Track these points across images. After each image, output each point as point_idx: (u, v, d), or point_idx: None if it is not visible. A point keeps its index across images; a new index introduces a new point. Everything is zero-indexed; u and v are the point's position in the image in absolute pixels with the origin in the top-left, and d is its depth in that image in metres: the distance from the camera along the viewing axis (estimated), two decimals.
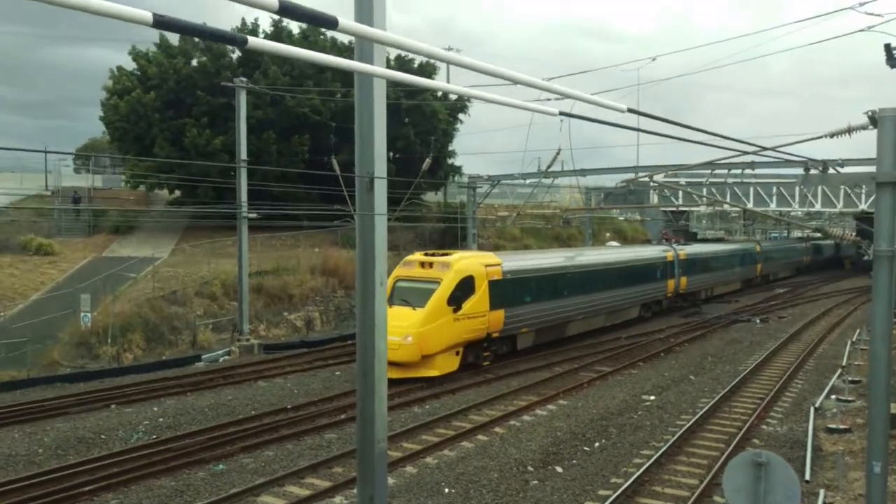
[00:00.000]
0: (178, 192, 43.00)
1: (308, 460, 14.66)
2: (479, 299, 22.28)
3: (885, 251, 8.83)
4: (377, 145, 9.65)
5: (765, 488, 6.26)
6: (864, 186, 43.94)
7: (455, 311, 21.42)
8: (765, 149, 9.87)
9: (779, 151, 10.39)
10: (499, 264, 23.71)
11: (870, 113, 8.96)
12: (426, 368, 21.17)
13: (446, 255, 23.23)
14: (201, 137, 37.68)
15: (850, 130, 9.81)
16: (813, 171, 10.03)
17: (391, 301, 20.82)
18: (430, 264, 22.45)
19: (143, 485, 13.32)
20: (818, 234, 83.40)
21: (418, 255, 23.52)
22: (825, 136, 9.87)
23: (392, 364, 19.49)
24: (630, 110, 7.03)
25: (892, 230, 8.93)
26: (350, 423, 16.84)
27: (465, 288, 21.86)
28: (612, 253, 33.64)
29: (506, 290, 23.52)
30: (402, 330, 20.44)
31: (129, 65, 41.99)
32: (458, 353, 22.10)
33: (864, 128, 9.74)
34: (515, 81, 3.96)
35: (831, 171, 13.33)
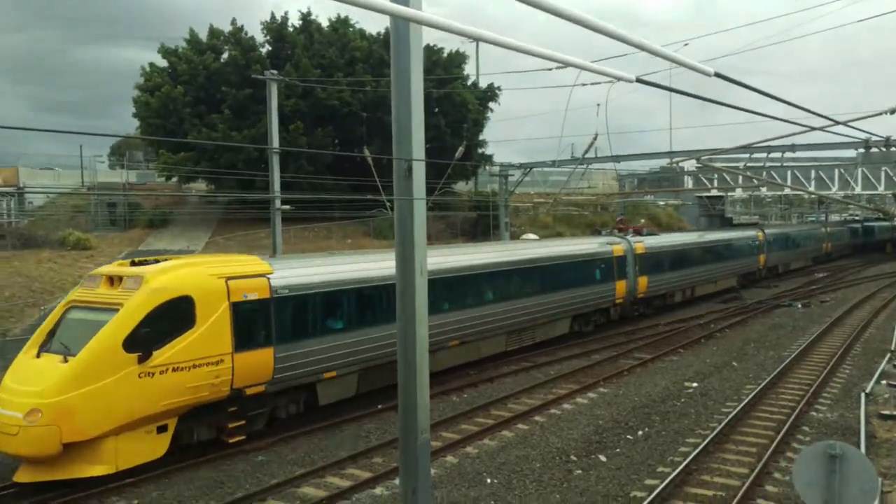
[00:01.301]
0: (209, 186, 43.35)
1: (348, 451, 14.54)
2: (205, 336, 13.70)
3: None
4: (414, 130, 9.37)
5: (839, 482, 5.91)
6: None
7: (142, 359, 12.82)
8: (835, 122, 9.41)
9: (847, 125, 9.92)
10: (263, 275, 15.08)
11: None
12: (84, 463, 12.58)
13: (160, 260, 14.83)
14: (217, 132, 37.89)
15: None
16: (874, 150, 9.56)
17: (46, 346, 13.49)
18: (120, 279, 13.81)
19: (183, 476, 13.30)
20: (853, 217, 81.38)
21: (113, 266, 14.98)
22: (885, 112, 9.39)
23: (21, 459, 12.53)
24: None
25: None
26: (388, 413, 16.72)
27: (167, 318, 13.28)
28: (518, 250, 24.56)
29: (281, 316, 15.09)
30: (26, 399, 12.19)
31: (160, 63, 42.38)
32: (163, 430, 13.50)
33: None
34: (591, 27, 3.64)
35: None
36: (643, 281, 29.93)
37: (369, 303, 17.30)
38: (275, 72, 28.15)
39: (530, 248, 25.20)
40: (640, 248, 29.87)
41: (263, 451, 14.66)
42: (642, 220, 59.04)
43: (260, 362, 14.69)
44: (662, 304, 32.69)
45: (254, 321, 14.64)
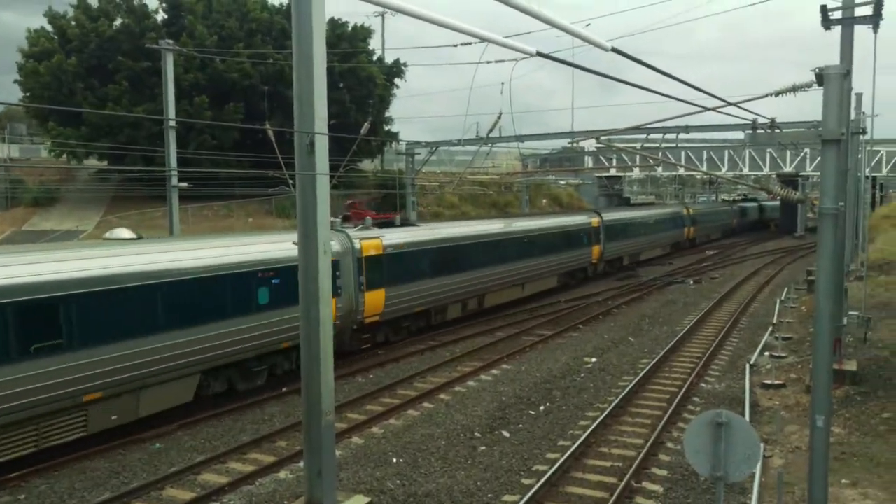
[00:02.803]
0: (105, 162, 41.16)
1: (250, 435, 14.26)
2: None
3: (830, 209, 8.87)
4: (317, 104, 9.18)
5: (726, 448, 6.23)
6: (788, 151, 45.45)
7: None
8: (727, 103, 9.81)
9: (738, 107, 10.37)
10: None
11: (816, 70, 8.92)
12: None
13: None
14: (119, 106, 36.01)
15: (795, 89, 9.78)
16: (760, 131, 10.09)
17: None
18: None
19: (75, 468, 12.69)
20: (741, 197, 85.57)
21: None
22: (771, 94, 9.84)
23: None
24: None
25: (836, 188, 8.99)
26: (292, 396, 16.49)
27: None
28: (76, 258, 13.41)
29: None
30: None
31: (47, 29, 39.74)
32: None
33: (808, 86, 9.74)
34: None
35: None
36: (376, 297, 20.22)
37: None
38: (171, 41, 26.90)
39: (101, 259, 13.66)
40: (372, 247, 20.29)
41: (161, 438, 14.17)
42: (544, 201, 60.15)
43: None
44: (425, 324, 23.64)
45: None
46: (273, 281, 16.91)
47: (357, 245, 19.89)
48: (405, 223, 23.77)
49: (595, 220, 36.62)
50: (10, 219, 35.33)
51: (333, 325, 17.21)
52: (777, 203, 79.85)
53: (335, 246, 18.13)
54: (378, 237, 20.89)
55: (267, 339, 16.70)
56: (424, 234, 23.54)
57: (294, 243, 16.82)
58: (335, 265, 17.55)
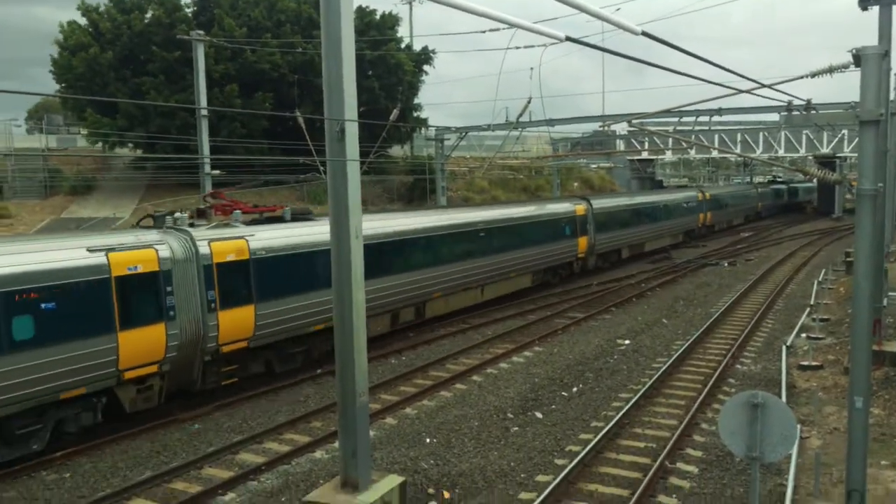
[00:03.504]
0: (139, 151, 41.81)
1: (286, 416, 14.49)
2: None
3: (868, 190, 8.74)
4: (347, 91, 9.22)
5: (762, 429, 6.19)
6: (825, 132, 44.52)
7: None
8: (761, 85, 9.68)
9: (773, 89, 10.23)
10: None
11: (853, 51, 8.76)
12: None
13: None
14: (160, 97, 36.52)
15: (831, 70, 9.63)
16: (795, 112, 9.92)
17: None
18: None
19: (118, 447, 13.03)
20: (775, 178, 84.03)
21: None
22: (807, 75, 9.69)
23: None
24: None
25: (874, 169, 8.85)
26: (327, 377, 16.71)
27: None
28: None
29: None
30: None
31: (79, 22, 40.34)
32: None
33: (845, 67, 9.58)
34: None
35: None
36: (240, 316, 15.42)
37: None
38: (201, 32, 27.18)
39: None
40: (230, 251, 15.38)
41: (199, 419, 14.47)
42: (575, 184, 59.62)
43: None
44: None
45: None
46: (44, 306, 12.05)
47: (204, 249, 14.77)
48: (300, 216, 18.52)
49: (580, 208, 31.34)
50: (50, 207, 36.10)
51: (165, 358, 13.58)
52: (811, 185, 78.31)
53: (163, 251, 13.92)
54: (242, 237, 15.84)
55: (30, 388, 11.82)
56: (321, 230, 16.67)
57: (90, 250, 12.84)
58: (162, 277, 13.81)
